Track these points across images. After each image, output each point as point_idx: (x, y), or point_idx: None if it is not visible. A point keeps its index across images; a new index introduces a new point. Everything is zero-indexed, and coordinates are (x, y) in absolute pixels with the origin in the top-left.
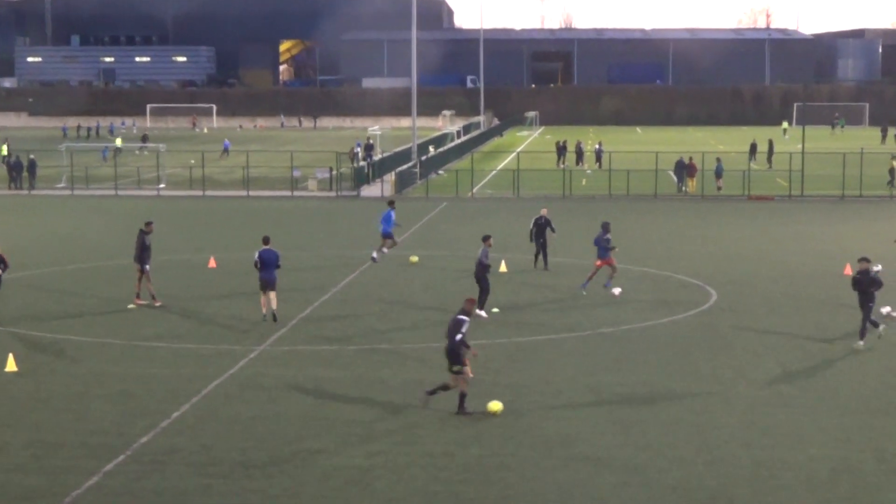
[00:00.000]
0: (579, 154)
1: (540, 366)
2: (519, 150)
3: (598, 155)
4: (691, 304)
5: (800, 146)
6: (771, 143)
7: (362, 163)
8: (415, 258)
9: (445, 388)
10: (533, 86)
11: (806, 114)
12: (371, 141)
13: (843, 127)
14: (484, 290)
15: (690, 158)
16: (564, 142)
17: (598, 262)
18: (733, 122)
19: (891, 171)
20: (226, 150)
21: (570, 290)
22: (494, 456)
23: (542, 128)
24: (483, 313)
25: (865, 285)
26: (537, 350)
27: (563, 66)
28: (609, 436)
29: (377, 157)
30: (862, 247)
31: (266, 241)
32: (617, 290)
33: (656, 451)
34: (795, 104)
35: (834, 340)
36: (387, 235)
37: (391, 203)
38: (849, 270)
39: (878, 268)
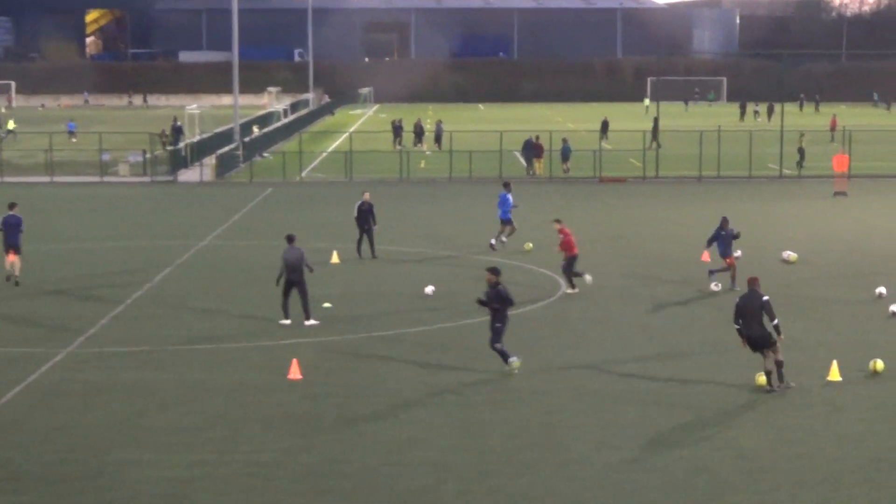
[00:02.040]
0: (418, 134)
1: (377, 364)
2: (352, 130)
3: (438, 135)
4: (540, 295)
5: (653, 125)
6: (656, 123)
7: (169, 147)
8: (529, 245)
9: None
10: (367, 59)
11: (660, 89)
12: (179, 123)
13: (712, 101)
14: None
15: (537, 137)
16: (401, 120)
17: (728, 260)
18: (584, 99)
19: (800, 150)
20: (72, 132)
21: (407, 282)
22: (328, 463)
23: (377, 105)
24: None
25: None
26: (373, 347)
27: (400, 39)
28: (452, 439)
29: (188, 140)
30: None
31: (11, 206)
32: (588, 278)
33: (502, 456)
34: (649, 79)
35: (690, 331)
36: (506, 221)
37: (507, 185)
38: (706, 257)
39: (737, 254)
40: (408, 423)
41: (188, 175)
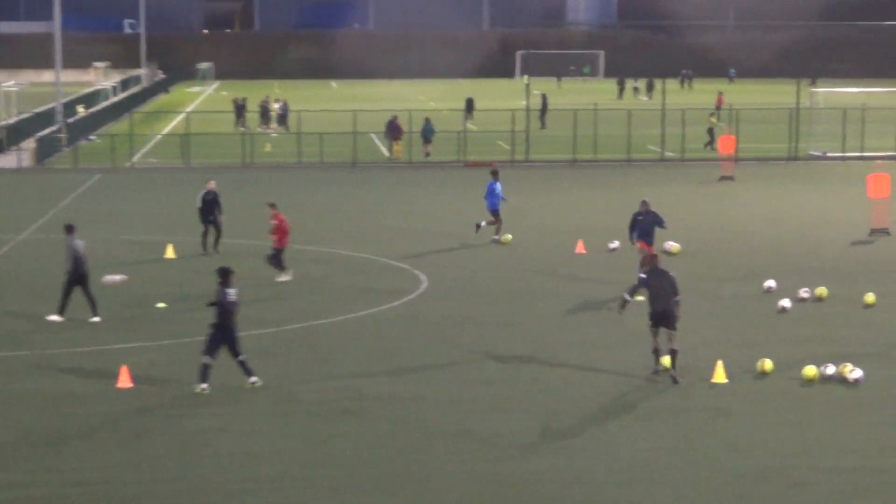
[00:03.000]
0: (263, 114)
1: (216, 370)
2: (189, 109)
3: (283, 114)
4: (398, 293)
5: (523, 103)
6: (545, 101)
7: None
8: (508, 237)
9: None
10: (205, 31)
11: (532, 64)
12: None
13: (587, 75)
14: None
15: (395, 118)
16: (244, 99)
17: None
18: (447, 75)
19: (709, 130)
20: None
21: (251, 278)
22: (160, 482)
23: (218, 83)
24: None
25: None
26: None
27: (243, 8)
28: (302, 453)
29: (2, 122)
30: (598, 221)
31: None
32: (286, 277)
33: (356, 471)
34: (519, 52)
35: (561, 329)
36: (495, 213)
37: (495, 173)
38: (581, 248)
39: (615, 244)
40: (249, 435)
41: (4, 161)
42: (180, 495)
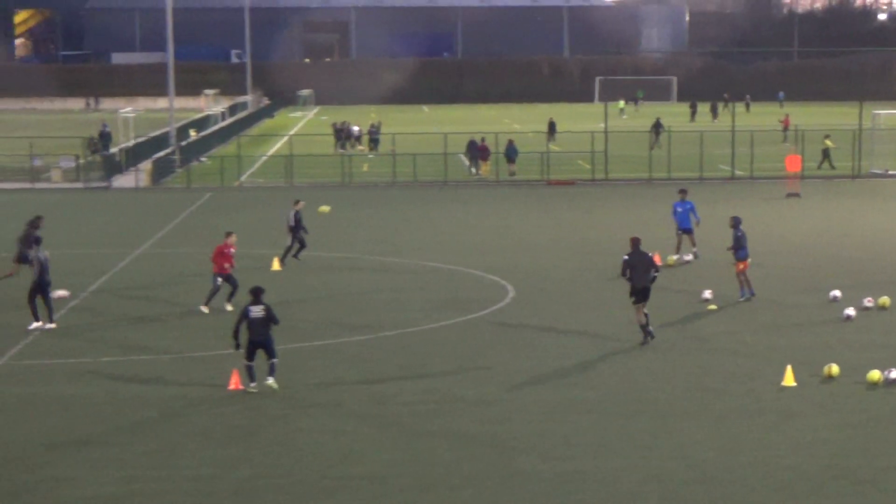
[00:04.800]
0: (348, 136)
1: (317, 374)
2: (292, 132)
3: (374, 137)
4: (485, 303)
5: (602, 125)
6: (659, 123)
7: (97, 155)
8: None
9: None
10: (306, 60)
11: (608, 89)
12: (108, 128)
13: (640, 98)
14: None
15: (483, 139)
16: (343, 123)
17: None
18: (529, 99)
19: (824, 151)
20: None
21: (349, 289)
22: (267, 478)
23: (318, 108)
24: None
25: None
26: (313, 356)
27: (341, 39)
28: (395, 451)
29: (122, 145)
30: (670, 234)
31: None
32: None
33: (447, 468)
34: (597, 78)
35: (640, 337)
36: (688, 231)
37: (684, 191)
38: (658, 259)
39: (688, 257)
40: (348, 434)
41: (123, 181)
42: (282, 490)
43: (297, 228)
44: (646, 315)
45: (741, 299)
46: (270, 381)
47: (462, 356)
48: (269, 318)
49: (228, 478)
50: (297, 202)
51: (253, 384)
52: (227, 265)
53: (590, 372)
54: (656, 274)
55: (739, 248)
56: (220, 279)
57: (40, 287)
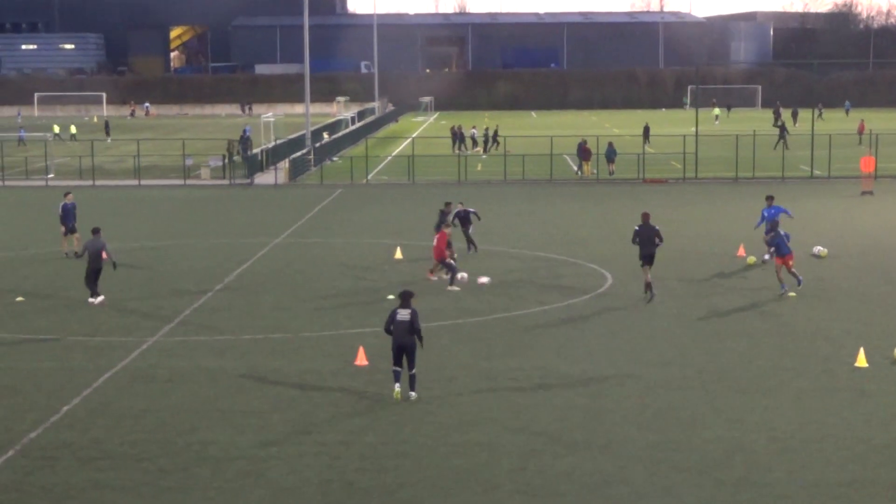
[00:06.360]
0: (462, 138)
1: (434, 352)
2: (414, 135)
3: (487, 140)
4: (587, 289)
5: (693, 129)
6: (784, 126)
7: (235, 157)
8: (752, 258)
9: None
10: (427, 71)
11: (699, 96)
12: (248, 133)
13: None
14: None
15: (585, 142)
16: (460, 127)
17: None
18: (627, 106)
19: None
20: (21, 140)
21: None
22: (389, 444)
23: (437, 113)
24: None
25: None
26: (431, 336)
27: (459, 52)
28: (504, 421)
29: (263, 146)
30: (755, 231)
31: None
32: (484, 279)
33: (551, 437)
34: (689, 87)
35: (727, 321)
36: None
37: (770, 198)
38: (742, 251)
39: (765, 257)
40: (462, 406)
41: (264, 178)
42: (403, 455)
43: (463, 226)
44: (650, 282)
45: (782, 292)
46: (413, 395)
47: (565, 337)
48: (412, 324)
49: (356, 443)
50: (459, 203)
51: (398, 387)
52: (447, 252)
53: (682, 352)
54: (660, 243)
55: (780, 245)
56: (452, 261)
57: (97, 270)
